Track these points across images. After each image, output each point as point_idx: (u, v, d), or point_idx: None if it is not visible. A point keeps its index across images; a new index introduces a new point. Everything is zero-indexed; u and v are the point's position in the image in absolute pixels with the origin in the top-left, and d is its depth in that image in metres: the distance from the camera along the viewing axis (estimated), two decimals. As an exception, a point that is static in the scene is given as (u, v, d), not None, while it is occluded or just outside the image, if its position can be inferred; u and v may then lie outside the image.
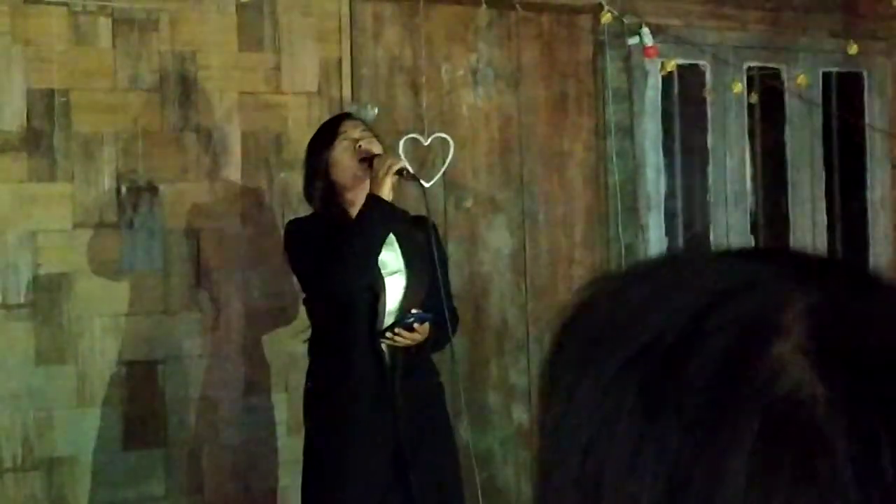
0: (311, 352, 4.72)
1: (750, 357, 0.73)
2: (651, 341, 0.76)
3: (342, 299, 4.52)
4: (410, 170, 4.60)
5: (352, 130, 4.66)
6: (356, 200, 4.55)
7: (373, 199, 4.46)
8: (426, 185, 5.08)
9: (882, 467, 0.70)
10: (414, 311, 4.53)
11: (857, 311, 0.76)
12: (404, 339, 4.50)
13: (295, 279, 4.89)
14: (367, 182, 4.53)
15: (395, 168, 4.47)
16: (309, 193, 4.72)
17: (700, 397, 0.73)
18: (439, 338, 4.63)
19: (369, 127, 4.82)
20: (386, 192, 4.46)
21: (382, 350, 4.54)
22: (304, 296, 4.79)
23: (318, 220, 4.63)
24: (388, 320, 4.54)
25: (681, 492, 0.72)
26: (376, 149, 4.62)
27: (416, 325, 4.49)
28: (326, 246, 4.45)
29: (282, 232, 5.45)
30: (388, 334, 4.49)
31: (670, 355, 0.75)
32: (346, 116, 4.87)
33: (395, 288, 4.59)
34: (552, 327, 0.85)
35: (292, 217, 5.08)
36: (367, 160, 4.55)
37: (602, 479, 0.75)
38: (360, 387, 4.52)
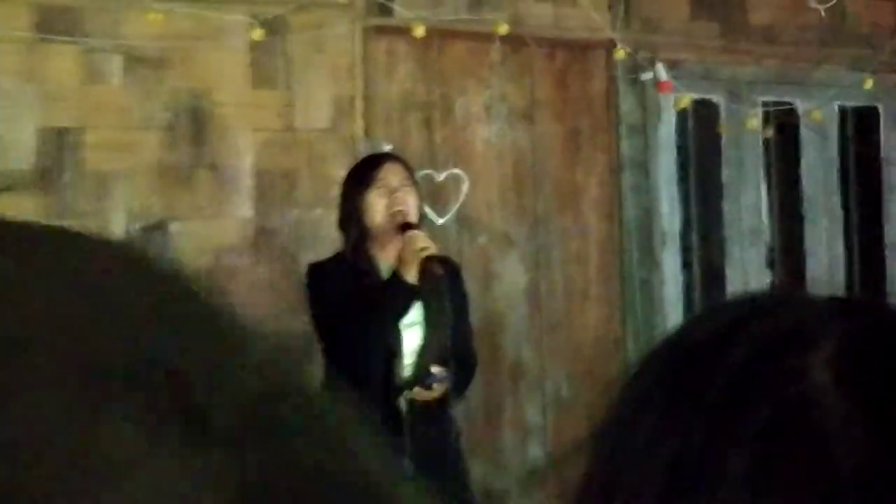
0: None
1: (779, 358, 0.78)
2: (686, 348, 0.83)
3: (354, 360, 4.44)
4: (437, 261, 4.47)
5: (391, 177, 4.55)
6: (385, 252, 4.51)
7: (396, 282, 4.40)
8: (439, 220, 5.06)
9: (882, 481, 0.72)
10: (434, 369, 4.47)
11: (887, 340, 0.81)
12: (422, 397, 4.45)
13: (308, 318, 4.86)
14: (396, 244, 4.46)
15: (425, 255, 4.39)
16: (343, 234, 4.66)
17: (722, 387, 0.77)
18: (456, 391, 4.59)
19: (409, 166, 4.74)
20: (411, 275, 4.39)
21: (400, 407, 4.47)
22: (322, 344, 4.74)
23: (342, 264, 4.56)
24: (406, 372, 4.49)
25: (688, 476, 0.76)
26: (412, 205, 4.54)
27: (434, 385, 4.45)
28: (345, 306, 4.39)
29: (295, 269, 5.44)
30: (406, 392, 4.44)
31: (702, 350, 0.81)
32: (386, 158, 4.77)
33: (412, 340, 4.53)
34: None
35: (305, 256, 5.06)
36: (402, 227, 4.47)
37: (621, 459, 0.80)
38: None
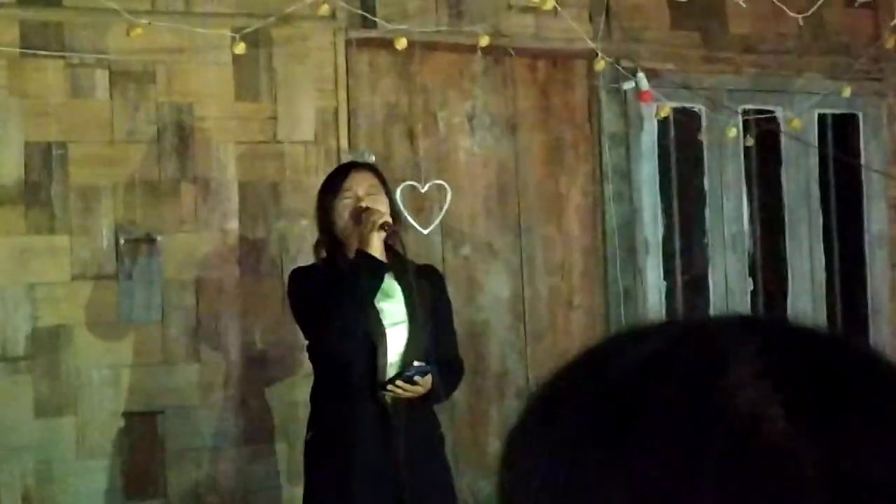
0: (313, 401, 4.71)
1: (706, 382, 0.77)
2: (612, 381, 0.81)
3: (338, 353, 4.52)
4: (391, 224, 4.56)
5: (357, 186, 4.63)
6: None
7: (360, 256, 4.48)
8: (423, 231, 5.10)
9: (846, 472, 0.74)
10: (416, 363, 4.52)
11: (803, 343, 0.82)
12: (405, 391, 4.49)
13: (297, 328, 4.89)
14: (357, 231, 4.55)
15: (379, 223, 4.48)
16: (317, 242, 4.76)
17: (661, 422, 0.76)
18: (441, 389, 4.62)
19: (380, 174, 4.81)
20: (374, 248, 4.48)
21: (384, 402, 4.52)
22: (307, 343, 4.79)
23: (321, 269, 4.64)
24: (391, 371, 4.53)
25: None
26: (381, 205, 4.60)
27: (417, 378, 4.49)
28: (323, 299, 4.46)
29: (280, 280, 5.47)
30: (390, 387, 4.48)
31: (632, 391, 0.79)
32: (353, 167, 4.82)
33: (397, 339, 4.58)
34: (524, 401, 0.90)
35: (293, 266, 5.09)
36: (356, 215, 4.56)
37: None
38: (360, 438, 4.50)
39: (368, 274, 4.48)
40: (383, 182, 4.74)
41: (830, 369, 0.80)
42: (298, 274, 4.74)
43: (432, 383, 4.53)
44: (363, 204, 4.57)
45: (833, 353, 0.82)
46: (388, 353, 4.55)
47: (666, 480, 0.75)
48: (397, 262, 4.59)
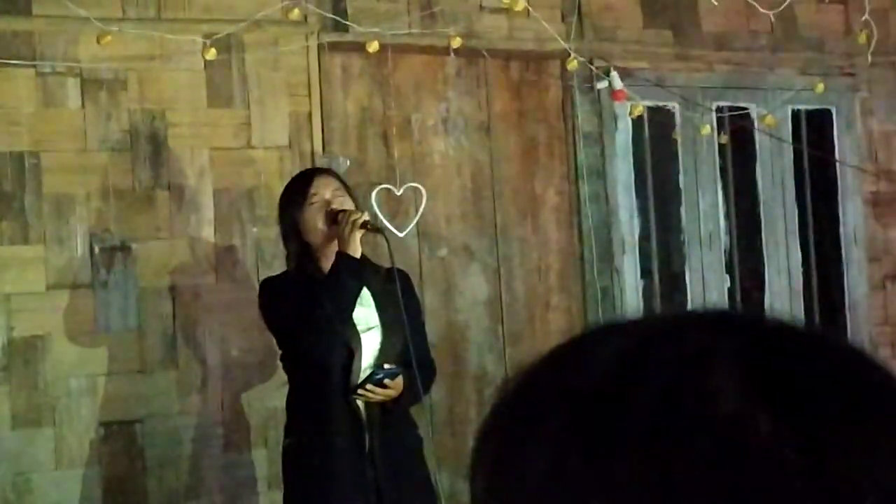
0: (289, 408, 4.70)
1: (686, 387, 0.76)
2: (587, 385, 0.78)
3: (317, 359, 4.50)
4: (373, 222, 4.58)
5: (323, 190, 4.61)
6: (330, 259, 4.54)
7: (340, 258, 4.45)
8: (399, 234, 5.09)
9: (834, 476, 0.73)
10: (386, 366, 4.51)
11: (783, 341, 0.80)
12: (376, 395, 4.48)
13: (270, 335, 4.87)
14: (332, 234, 4.53)
15: (360, 222, 4.45)
16: (285, 247, 4.72)
17: (643, 430, 0.75)
18: (414, 391, 4.61)
19: (342, 179, 4.79)
20: (354, 249, 4.45)
21: (358, 406, 4.51)
22: (280, 352, 4.77)
23: (293, 278, 4.61)
24: (364, 376, 4.52)
25: None
26: (348, 206, 4.59)
27: (386, 382, 4.48)
28: (300, 306, 4.44)
29: (257, 286, 5.45)
30: (360, 391, 4.47)
31: (608, 396, 0.77)
32: (316, 172, 4.82)
33: (370, 344, 4.57)
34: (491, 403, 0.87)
35: (266, 273, 5.08)
36: (332, 217, 4.53)
37: None
38: (337, 443, 4.49)
39: (351, 275, 4.46)
40: (346, 186, 4.73)
41: (814, 369, 0.78)
42: (270, 284, 4.72)
43: (403, 385, 4.52)
44: (333, 206, 4.55)
45: (815, 351, 0.81)
46: (363, 359, 4.53)
47: (647, 489, 0.74)
48: (366, 267, 4.58)
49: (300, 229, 4.59)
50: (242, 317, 5.61)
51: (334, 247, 4.53)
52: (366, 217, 4.52)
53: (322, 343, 4.46)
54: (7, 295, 5.25)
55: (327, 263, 4.55)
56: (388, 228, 5.26)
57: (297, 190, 4.66)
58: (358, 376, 4.50)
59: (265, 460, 5.61)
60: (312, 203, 4.57)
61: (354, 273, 4.46)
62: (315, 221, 4.56)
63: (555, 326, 6.55)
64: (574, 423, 0.77)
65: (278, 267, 5.24)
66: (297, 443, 4.61)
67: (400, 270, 4.69)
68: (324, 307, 4.42)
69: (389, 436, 4.54)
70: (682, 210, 6.98)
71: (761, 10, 6.31)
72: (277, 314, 4.60)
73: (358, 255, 4.46)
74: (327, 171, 4.85)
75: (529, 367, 0.84)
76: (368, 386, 4.46)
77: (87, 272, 5.39)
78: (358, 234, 4.44)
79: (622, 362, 0.79)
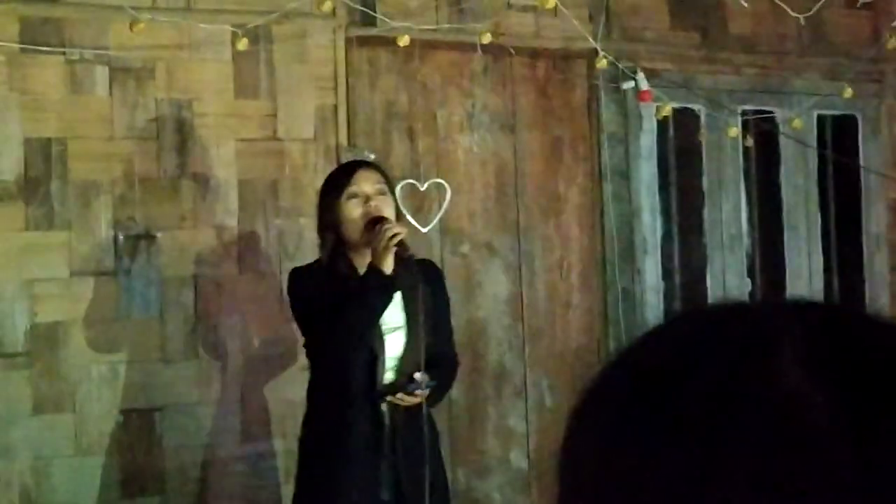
0: (309, 399, 4.67)
1: (751, 365, 0.77)
2: (657, 361, 0.81)
3: (340, 363, 4.46)
4: (406, 247, 4.41)
5: (364, 184, 4.52)
6: (364, 257, 4.47)
7: (372, 274, 4.37)
8: (423, 229, 5.06)
9: (886, 462, 0.73)
10: (417, 376, 4.44)
11: (846, 330, 0.81)
12: (405, 402, 4.44)
13: (294, 325, 4.86)
14: (370, 241, 4.44)
15: (395, 241, 4.35)
16: (320, 238, 4.65)
17: (700, 409, 0.76)
18: (440, 392, 4.59)
19: (385, 173, 4.70)
20: (386, 265, 4.36)
21: (380, 408, 4.47)
22: (303, 340, 4.75)
23: (323, 270, 4.55)
24: (388, 376, 4.48)
25: (688, 500, 0.74)
26: (387, 209, 4.50)
27: (417, 392, 4.43)
28: (327, 301, 4.38)
29: (279, 277, 5.46)
30: (389, 398, 4.43)
31: (674, 372, 0.79)
32: (360, 165, 4.69)
33: (395, 344, 4.52)
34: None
35: (289, 265, 5.06)
36: (371, 224, 4.44)
37: (611, 495, 0.78)
38: (354, 440, 4.45)
39: (380, 293, 4.39)
40: (388, 181, 4.65)
41: (883, 361, 0.79)
42: (300, 274, 4.64)
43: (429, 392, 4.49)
44: (373, 203, 4.47)
45: (886, 341, 0.81)
46: (385, 359, 4.50)
47: (701, 463, 0.75)
48: (400, 267, 4.47)
49: (337, 222, 4.53)
50: (264, 308, 5.62)
51: (367, 246, 4.47)
52: (402, 236, 4.39)
53: (343, 348, 4.42)
54: (30, 280, 5.26)
55: (359, 260, 4.49)
56: (413, 227, 5.22)
57: (339, 182, 4.59)
58: (381, 378, 4.46)
59: (283, 451, 5.61)
60: (353, 197, 4.50)
61: (383, 289, 4.38)
62: (353, 216, 4.48)
63: (575, 325, 6.55)
64: (640, 398, 0.80)
65: (300, 259, 5.25)
66: (314, 436, 4.58)
67: (431, 263, 4.65)
68: (348, 317, 4.36)
69: (410, 434, 4.50)
70: (705, 212, 6.98)
71: (791, 13, 6.29)
72: (304, 305, 4.54)
73: (389, 272, 4.37)
74: (371, 165, 4.74)
75: (622, 346, 0.87)
76: (399, 395, 4.41)
77: (110, 260, 5.40)
78: (391, 253, 4.35)
79: (696, 341, 0.81)
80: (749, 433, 0.74)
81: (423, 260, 4.66)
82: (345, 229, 4.51)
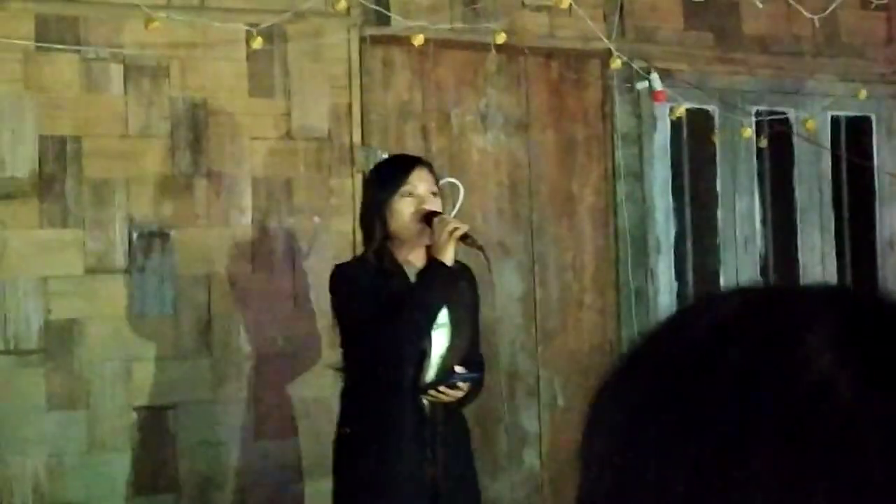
0: (348, 397, 4.58)
1: (782, 347, 0.77)
2: (687, 342, 0.81)
3: (391, 358, 4.38)
4: (474, 236, 4.40)
5: (419, 184, 4.46)
6: (411, 256, 4.45)
7: (435, 267, 4.32)
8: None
9: None
10: (458, 369, 4.44)
11: (877, 315, 0.81)
12: (447, 396, 4.41)
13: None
14: (424, 240, 4.42)
15: (459, 233, 4.32)
16: (366, 236, 4.56)
17: (728, 390, 0.77)
18: (477, 391, 4.57)
19: (436, 176, 4.62)
20: (449, 258, 4.32)
21: (424, 405, 4.43)
22: (341, 339, 4.70)
23: (369, 267, 4.45)
24: (431, 373, 4.45)
25: (712, 481, 0.75)
26: (439, 208, 4.46)
27: (460, 384, 4.41)
28: (381, 303, 4.33)
29: (292, 276, 5.47)
30: (432, 391, 4.40)
31: (704, 351, 0.79)
32: (416, 163, 4.60)
33: (438, 341, 4.46)
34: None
35: (302, 263, 5.06)
36: (427, 218, 4.39)
37: (639, 470, 0.78)
38: (402, 436, 4.39)
39: (443, 285, 4.35)
40: (437, 182, 4.59)
41: None
42: (344, 272, 4.57)
43: (470, 386, 4.47)
44: (425, 206, 4.42)
45: None
46: (431, 356, 4.45)
47: (729, 442, 0.75)
48: (456, 275, 4.44)
49: (387, 217, 4.45)
50: (277, 306, 5.63)
51: (418, 247, 4.46)
52: (466, 228, 4.38)
53: (401, 348, 4.36)
54: (45, 278, 5.27)
55: (404, 257, 4.46)
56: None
57: (394, 177, 4.50)
58: (425, 377, 4.43)
59: (296, 450, 5.62)
60: (407, 195, 4.44)
61: (446, 284, 4.35)
62: (405, 213, 4.42)
63: (588, 326, 6.55)
64: (669, 375, 0.80)
65: (315, 257, 5.26)
66: (357, 433, 4.48)
67: (467, 267, 4.59)
68: (411, 313, 4.32)
69: (449, 433, 4.49)
70: (719, 213, 6.97)
71: (805, 14, 6.29)
72: (352, 304, 4.45)
73: (451, 264, 4.33)
74: (425, 164, 4.65)
75: (652, 325, 0.87)
76: (442, 388, 4.40)
77: (124, 257, 5.41)
78: (453, 244, 4.32)
79: (727, 321, 0.81)
80: (776, 413, 0.74)
81: (460, 264, 4.57)
82: (394, 224, 4.44)
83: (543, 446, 6.38)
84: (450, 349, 4.48)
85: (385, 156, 5.70)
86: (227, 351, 5.57)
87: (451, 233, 4.30)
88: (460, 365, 4.49)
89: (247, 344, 5.61)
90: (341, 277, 4.54)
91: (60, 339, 5.29)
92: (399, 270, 4.44)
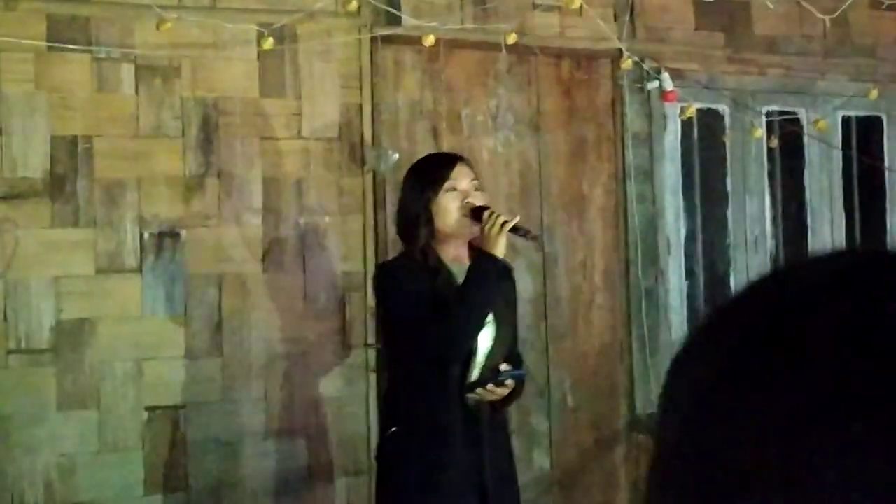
0: (394, 398, 4.55)
1: (872, 311, 0.76)
2: (782, 299, 0.80)
3: (442, 357, 4.34)
4: (526, 227, 4.37)
5: (463, 180, 4.44)
6: (455, 252, 4.43)
7: (487, 260, 4.29)
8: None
9: None
10: (504, 367, 4.41)
11: None
12: (494, 394, 4.38)
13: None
14: (468, 235, 4.40)
15: (510, 225, 4.30)
16: (409, 235, 4.49)
17: (823, 347, 0.75)
18: (520, 390, 4.53)
19: (477, 175, 4.58)
20: (500, 250, 4.29)
21: (469, 403, 4.39)
22: (383, 338, 4.64)
23: (413, 265, 4.42)
24: (476, 371, 4.41)
25: (808, 441, 0.73)
26: (483, 202, 4.43)
27: (507, 382, 4.38)
28: (432, 302, 4.29)
29: (303, 275, 5.47)
30: (479, 390, 4.37)
31: (800, 308, 0.78)
32: (458, 160, 4.56)
33: (484, 339, 4.43)
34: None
35: (312, 263, 5.05)
36: (476, 213, 4.37)
37: (731, 430, 0.77)
38: (452, 436, 4.36)
39: (498, 277, 4.33)
40: (478, 177, 4.56)
41: None
42: (390, 271, 4.54)
43: (515, 384, 4.44)
44: (469, 200, 4.40)
45: None
46: (478, 354, 4.42)
47: (824, 400, 0.74)
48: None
49: (432, 214, 4.42)
50: (288, 306, 5.64)
51: (462, 243, 4.43)
52: (517, 219, 4.35)
53: (454, 345, 4.32)
54: (56, 278, 5.29)
55: (447, 254, 4.43)
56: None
57: (437, 174, 4.48)
58: (471, 375, 4.39)
59: (307, 450, 5.63)
60: (451, 190, 4.42)
61: (499, 277, 4.33)
62: (451, 209, 4.40)
63: (598, 325, 6.55)
64: (762, 331, 0.79)
65: (326, 257, 5.26)
66: (406, 433, 4.43)
67: (506, 263, 4.55)
68: (464, 309, 4.28)
69: (495, 432, 4.48)
70: (729, 213, 6.97)
71: (816, 14, 6.28)
72: (399, 304, 4.40)
73: (502, 256, 4.31)
74: (466, 160, 4.61)
75: (723, 300, 0.86)
76: (489, 386, 4.36)
77: (135, 257, 5.42)
78: (504, 237, 4.30)
79: (824, 281, 0.80)
80: (872, 372, 0.73)
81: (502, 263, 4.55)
82: (440, 222, 4.42)
83: (553, 446, 6.38)
84: (495, 347, 4.45)
85: (396, 156, 5.71)
86: (238, 351, 5.58)
87: (503, 225, 4.29)
88: (510, 358, 4.47)
89: (257, 344, 5.62)
90: (387, 276, 4.51)
91: (72, 338, 5.30)
92: (444, 268, 4.40)
